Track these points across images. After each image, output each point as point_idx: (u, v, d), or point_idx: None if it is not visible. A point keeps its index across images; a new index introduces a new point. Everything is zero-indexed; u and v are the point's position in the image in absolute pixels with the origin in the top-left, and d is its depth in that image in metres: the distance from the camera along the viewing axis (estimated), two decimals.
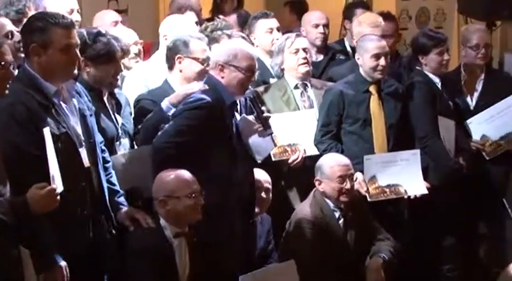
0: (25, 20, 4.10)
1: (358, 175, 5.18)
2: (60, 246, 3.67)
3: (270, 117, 4.63)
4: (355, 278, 4.94)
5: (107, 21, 5.84)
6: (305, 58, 5.49)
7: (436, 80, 5.64)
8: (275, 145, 4.72)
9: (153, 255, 4.00)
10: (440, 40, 5.63)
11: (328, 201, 4.97)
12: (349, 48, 6.45)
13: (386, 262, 4.94)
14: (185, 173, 4.17)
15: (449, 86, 5.76)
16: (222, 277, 4.27)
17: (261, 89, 5.45)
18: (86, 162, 3.87)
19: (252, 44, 5.90)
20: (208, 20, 6.04)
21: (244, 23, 6.37)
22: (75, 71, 3.85)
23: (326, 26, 6.39)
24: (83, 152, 3.85)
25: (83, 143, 3.86)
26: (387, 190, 5.27)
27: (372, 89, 5.38)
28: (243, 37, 5.31)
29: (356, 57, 5.43)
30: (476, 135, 5.69)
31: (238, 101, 4.56)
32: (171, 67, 4.88)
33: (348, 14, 6.77)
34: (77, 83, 4.04)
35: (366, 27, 5.75)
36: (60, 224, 3.67)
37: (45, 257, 3.60)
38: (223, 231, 4.36)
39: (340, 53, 6.32)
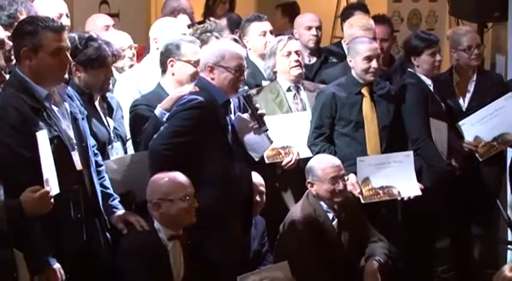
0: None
1: (351, 177, 5.18)
2: (54, 249, 3.67)
3: (264, 114, 4.64)
4: (349, 279, 4.93)
5: (98, 25, 5.83)
6: (297, 61, 5.49)
7: (428, 81, 5.65)
8: (271, 142, 4.71)
9: (147, 257, 4.00)
10: (432, 41, 5.64)
11: (321, 203, 4.96)
12: (347, 51, 6.44)
13: (382, 265, 4.93)
14: (179, 176, 4.16)
15: (441, 88, 5.76)
16: (216, 279, 4.25)
17: (253, 91, 5.45)
18: (78, 165, 3.87)
19: (245, 46, 5.91)
20: (200, 23, 6.03)
21: (235, 27, 6.37)
22: (66, 75, 3.85)
23: (319, 28, 6.40)
24: (75, 155, 3.86)
25: (75, 147, 3.86)
26: (381, 191, 5.26)
27: (364, 91, 5.38)
28: (235, 40, 5.31)
29: (348, 59, 5.43)
30: (469, 137, 5.70)
31: (231, 101, 4.56)
32: (164, 71, 4.88)
33: (346, 16, 6.79)
34: (69, 87, 4.03)
35: (357, 29, 5.76)
36: (54, 227, 3.68)
37: (39, 260, 3.60)
38: (221, 232, 4.36)
39: (337, 55, 6.30)
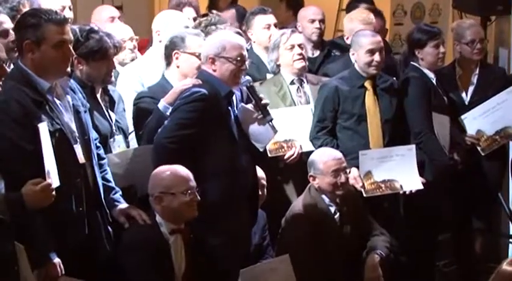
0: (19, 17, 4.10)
1: (353, 170, 5.18)
2: (56, 242, 3.68)
3: (268, 104, 4.64)
4: (351, 272, 4.94)
5: (104, 16, 5.85)
6: (300, 54, 5.48)
7: (431, 75, 5.64)
8: (275, 132, 4.71)
9: (149, 251, 3.99)
10: (435, 33, 5.63)
11: (323, 196, 4.97)
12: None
13: (383, 258, 4.94)
14: (181, 170, 4.16)
15: (444, 82, 5.75)
16: (218, 273, 4.26)
17: (256, 84, 5.45)
18: (81, 158, 3.87)
19: (249, 39, 5.92)
20: (203, 16, 6.03)
21: (242, 18, 6.38)
22: (69, 68, 3.85)
23: (322, 21, 6.39)
24: (78, 148, 3.86)
25: (78, 140, 3.86)
26: (383, 185, 5.26)
27: (367, 84, 5.38)
28: (238, 33, 5.30)
29: (351, 52, 5.43)
30: (471, 131, 5.69)
31: (234, 92, 4.56)
32: (169, 63, 4.87)
33: (352, 8, 6.78)
34: (71, 80, 4.04)
35: (357, 23, 5.75)
36: (56, 221, 3.68)
37: (40, 254, 3.61)
38: (227, 225, 4.37)
39: (341, 49, 6.29)
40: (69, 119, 3.85)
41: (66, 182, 3.71)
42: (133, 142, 4.78)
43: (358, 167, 5.21)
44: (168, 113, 4.50)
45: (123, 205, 4.15)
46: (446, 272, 5.84)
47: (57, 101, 3.83)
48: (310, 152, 5.18)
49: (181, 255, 4.14)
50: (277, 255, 4.79)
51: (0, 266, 3.41)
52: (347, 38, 5.76)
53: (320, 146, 5.25)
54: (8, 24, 4.36)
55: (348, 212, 5.00)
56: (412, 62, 5.66)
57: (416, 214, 5.50)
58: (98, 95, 4.51)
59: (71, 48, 3.82)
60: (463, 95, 5.87)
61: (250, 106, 4.59)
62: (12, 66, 4.08)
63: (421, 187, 5.26)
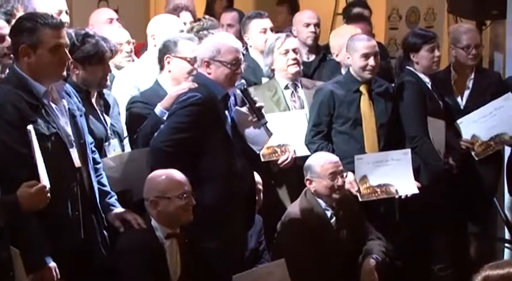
0: (13, 21, 4.09)
1: (349, 175, 5.18)
2: (51, 246, 3.67)
3: (262, 107, 4.64)
4: (347, 277, 4.94)
5: (102, 18, 5.85)
6: (295, 59, 5.48)
7: (426, 79, 5.64)
8: (270, 134, 4.72)
9: (144, 255, 3.98)
10: (430, 37, 5.64)
11: (319, 200, 4.97)
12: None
13: (379, 263, 4.94)
14: (176, 174, 4.15)
15: (440, 86, 5.76)
16: (213, 278, 4.26)
17: (251, 89, 5.45)
18: (77, 162, 3.87)
19: (245, 43, 5.92)
20: (196, 21, 6.03)
21: None
22: (65, 72, 3.84)
23: (317, 25, 6.40)
24: (74, 152, 3.85)
25: (73, 144, 3.85)
26: (378, 189, 5.27)
27: (363, 88, 5.38)
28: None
29: (346, 56, 5.42)
30: (466, 135, 5.69)
31: (230, 95, 4.56)
32: (162, 67, 4.88)
33: (347, 13, 6.79)
34: (67, 84, 4.03)
35: (346, 38, 5.64)
36: (51, 224, 3.68)
37: (35, 258, 3.59)
38: (223, 229, 4.36)
39: None
40: (65, 123, 3.85)
41: (62, 186, 3.72)
42: (128, 146, 4.78)
43: (353, 172, 5.21)
44: (164, 118, 4.50)
45: (119, 209, 4.15)
46: (442, 277, 5.83)
47: (53, 105, 3.82)
48: (304, 157, 5.19)
49: (176, 259, 4.14)
50: (273, 259, 4.80)
51: None
52: (336, 55, 5.74)
53: (315, 150, 5.25)
54: (6, 30, 4.35)
55: (344, 216, 5.00)
56: (407, 67, 5.67)
57: (412, 219, 5.50)
58: (93, 99, 4.51)
59: (67, 52, 3.81)
60: (459, 99, 5.87)
61: (244, 109, 4.59)
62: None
63: (416, 191, 5.27)
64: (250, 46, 6.02)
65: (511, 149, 5.93)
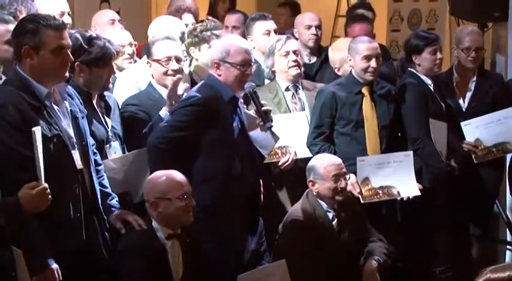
0: None
1: (351, 177, 5.17)
2: (53, 248, 3.66)
3: (270, 110, 4.65)
4: (349, 278, 4.93)
5: (104, 20, 5.85)
6: (295, 61, 5.48)
7: (429, 81, 5.64)
8: (276, 139, 4.72)
9: (146, 256, 3.99)
10: (432, 39, 5.64)
11: (321, 202, 4.96)
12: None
13: (381, 265, 4.94)
14: (176, 175, 4.16)
15: (442, 88, 5.76)
16: (215, 278, 4.26)
17: None
18: (79, 164, 3.87)
19: None
20: (201, 21, 6.04)
21: None
22: (67, 74, 3.84)
23: (318, 27, 6.40)
24: (75, 154, 3.85)
25: (75, 145, 3.85)
26: (380, 191, 5.26)
27: (365, 90, 5.38)
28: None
29: (348, 58, 5.42)
30: (469, 138, 5.68)
31: (238, 97, 4.58)
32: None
33: (351, 14, 6.79)
34: (68, 86, 4.03)
35: (346, 51, 5.62)
36: (53, 226, 3.68)
37: (38, 260, 3.59)
38: (221, 230, 4.36)
39: None
40: (67, 124, 3.85)
41: (64, 188, 3.71)
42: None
43: (355, 174, 5.21)
44: None
45: (120, 210, 4.15)
46: (443, 279, 5.83)
47: (55, 107, 3.82)
48: (305, 159, 5.18)
49: (178, 260, 4.14)
50: (274, 261, 4.78)
51: None
52: (338, 70, 5.72)
53: (317, 152, 5.25)
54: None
55: (345, 218, 5.00)
56: (409, 68, 5.67)
57: (414, 220, 5.49)
58: (94, 101, 4.50)
59: (70, 53, 3.81)
60: (461, 101, 5.87)
61: (252, 112, 4.60)
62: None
63: (418, 193, 5.27)
64: (254, 48, 6.01)
65: None
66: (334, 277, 4.88)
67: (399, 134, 5.51)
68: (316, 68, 6.29)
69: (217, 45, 4.64)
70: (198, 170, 4.39)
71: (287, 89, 5.52)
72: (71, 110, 3.90)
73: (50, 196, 3.49)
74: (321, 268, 4.82)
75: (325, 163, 4.97)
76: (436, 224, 5.59)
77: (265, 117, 4.59)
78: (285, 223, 4.96)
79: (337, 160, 5.02)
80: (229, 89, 4.50)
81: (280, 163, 5.27)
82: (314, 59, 6.37)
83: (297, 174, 5.19)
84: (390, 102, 5.45)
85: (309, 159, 5.13)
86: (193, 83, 5.35)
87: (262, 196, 4.81)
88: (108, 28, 5.67)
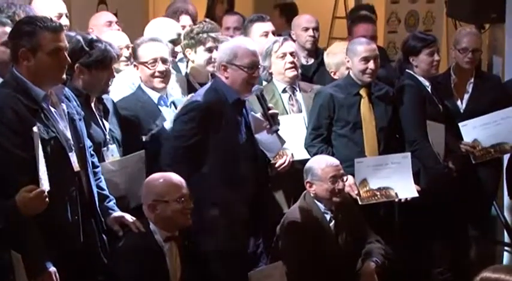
0: None
1: (349, 178, 5.17)
2: (51, 251, 3.66)
3: (277, 113, 4.65)
4: (347, 280, 4.93)
5: (101, 21, 5.85)
6: (292, 62, 5.47)
7: (426, 83, 5.64)
8: (283, 142, 4.72)
9: (144, 258, 3.99)
10: (430, 40, 5.64)
11: (318, 203, 4.96)
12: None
13: (379, 266, 4.93)
14: (174, 177, 4.16)
15: (439, 90, 5.76)
16: (213, 280, 4.26)
17: None
18: (76, 166, 3.86)
19: None
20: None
21: None
22: (64, 76, 3.84)
23: (316, 29, 6.41)
24: (73, 156, 3.84)
25: (73, 148, 3.85)
26: (378, 193, 5.26)
27: (363, 92, 5.38)
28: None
29: (346, 59, 5.42)
30: (467, 138, 5.69)
31: (244, 99, 4.59)
32: None
33: (354, 15, 6.79)
34: (66, 88, 4.02)
35: (343, 55, 5.61)
36: (51, 229, 3.67)
37: (35, 263, 3.59)
38: (224, 237, 4.37)
39: None
40: (64, 127, 3.84)
41: (61, 190, 3.71)
42: None
43: (353, 175, 5.21)
44: None
45: (117, 212, 4.14)
46: (441, 280, 5.83)
47: (52, 109, 3.81)
48: (302, 161, 5.18)
49: (176, 262, 4.14)
50: (272, 263, 4.78)
51: None
52: (334, 74, 5.72)
53: (315, 153, 5.24)
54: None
55: (343, 219, 5.00)
56: (407, 70, 5.67)
57: (412, 222, 5.50)
58: (92, 104, 4.49)
59: (67, 55, 3.81)
60: (458, 103, 5.87)
61: (259, 115, 4.60)
62: None
63: (416, 194, 5.27)
64: None
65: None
66: (332, 278, 4.88)
67: (397, 135, 5.51)
68: (314, 70, 6.29)
69: (224, 47, 4.63)
70: (204, 171, 4.40)
71: (284, 91, 5.52)
72: (68, 112, 3.89)
73: (47, 199, 3.49)
74: (318, 269, 4.82)
75: (322, 164, 4.97)
76: (434, 225, 5.58)
77: (272, 120, 4.59)
78: (283, 224, 4.96)
79: (334, 161, 5.02)
80: (234, 91, 4.50)
81: (277, 165, 5.26)
82: (311, 61, 6.38)
83: (294, 176, 5.19)
84: (388, 104, 5.45)
85: (305, 161, 5.13)
86: (189, 84, 5.36)
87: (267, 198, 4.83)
88: (105, 30, 5.67)
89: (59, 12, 5.26)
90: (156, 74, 4.86)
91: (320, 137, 5.34)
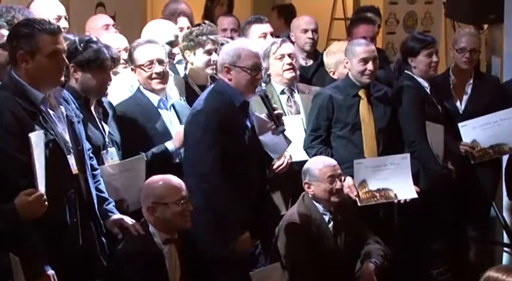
0: None
1: (348, 180, 5.17)
2: (50, 253, 3.65)
3: (282, 114, 4.65)
4: None
5: (98, 24, 5.84)
6: (290, 64, 5.48)
7: (425, 84, 5.64)
8: (289, 142, 4.72)
9: (143, 261, 3.99)
10: (428, 42, 5.64)
11: (317, 205, 4.96)
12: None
13: (378, 267, 4.94)
14: (173, 179, 4.16)
15: (438, 90, 5.76)
16: None
17: None
18: (74, 169, 3.85)
19: None
20: (196, 25, 6.04)
21: None
22: (62, 78, 3.84)
23: (315, 31, 6.41)
24: (71, 159, 3.84)
25: (71, 150, 3.84)
26: (377, 194, 5.26)
27: (361, 93, 5.38)
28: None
29: (345, 61, 5.42)
30: (466, 139, 5.69)
31: (249, 102, 4.59)
32: None
33: (358, 16, 6.79)
34: (64, 91, 4.02)
35: (342, 54, 5.63)
36: (50, 232, 3.66)
37: (34, 266, 3.58)
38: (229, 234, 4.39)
39: None
40: (62, 129, 3.83)
41: (60, 193, 3.70)
42: None
43: (352, 176, 5.21)
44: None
45: (117, 215, 4.14)
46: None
47: (51, 112, 3.81)
48: (300, 162, 5.18)
49: (175, 264, 4.14)
50: (271, 263, 4.78)
51: None
52: (333, 73, 5.72)
53: (314, 155, 5.25)
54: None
55: (342, 220, 5.00)
56: (406, 71, 5.67)
57: (411, 223, 5.50)
58: (92, 107, 4.49)
59: (65, 58, 3.80)
60: (457, 104, 5.88)
61: (264, 116, 4.60)
62: None
63: (415, 195, 5.27)
64: None
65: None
66: (331, 279, 4.88)
67: (396, 136, 5.50)
68: (313, 71, 6.29)
69: (227, 49, 4.62)
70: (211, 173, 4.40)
71: (282, 92, 5.52)
72: (66, 115, 3.89)
73: (46, 203, 3.48)
74: (317, 270, 4.82)
75: (320, 164, 4.98)
76: (433, 226, 5.58)
77: (277, 121, 4.59)
78: (281, 226, 4.96)
79: (331, 161, 5.02)
80: (240, 94, 4.50)
81: (275, 166, 5.25)
82: (310, 62, 6.38)
83: (292, 177, 5.19)
84: (387, 105, 5.45)
85: (303, 162, 5.13)
86: (187, 86, 5.35)
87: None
88: (103, 33, 5.66)
89: (58, 14, 5.25)
90: (154, 75, 4.86)
91: (319, 139, 5.34)
